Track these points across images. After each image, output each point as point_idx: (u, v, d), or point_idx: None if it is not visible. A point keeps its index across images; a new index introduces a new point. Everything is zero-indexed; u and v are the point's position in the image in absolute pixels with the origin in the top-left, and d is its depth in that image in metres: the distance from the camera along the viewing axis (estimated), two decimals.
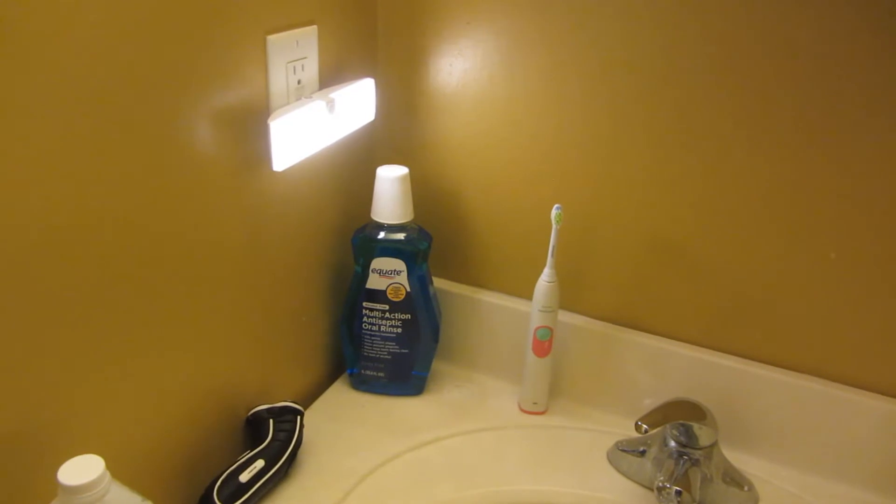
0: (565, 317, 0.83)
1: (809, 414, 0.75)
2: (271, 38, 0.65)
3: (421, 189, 0.86)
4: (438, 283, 0.89)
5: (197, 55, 0.58)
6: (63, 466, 0.47)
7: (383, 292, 0.81)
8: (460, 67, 0.80)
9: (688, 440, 0.69)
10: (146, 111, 0.54)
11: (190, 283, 0.62)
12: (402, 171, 0.78)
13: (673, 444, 0.70)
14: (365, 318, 0.82)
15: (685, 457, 0.69)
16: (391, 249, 0.79)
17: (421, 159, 0.86)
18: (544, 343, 0.80)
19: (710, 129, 0.71)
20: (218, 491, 0.65)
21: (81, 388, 0.54)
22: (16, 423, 0.50)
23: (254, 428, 0.74)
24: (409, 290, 0.80)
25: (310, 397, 0.86)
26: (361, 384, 0.86)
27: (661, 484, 0.67)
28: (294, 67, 0.68)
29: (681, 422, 0.69)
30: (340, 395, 0.86)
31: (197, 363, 0.66)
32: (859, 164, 0.67)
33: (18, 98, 0.45)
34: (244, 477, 0.66)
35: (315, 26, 0.70)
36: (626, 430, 0.81)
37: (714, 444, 0.70)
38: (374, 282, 0.80)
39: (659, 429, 0.69)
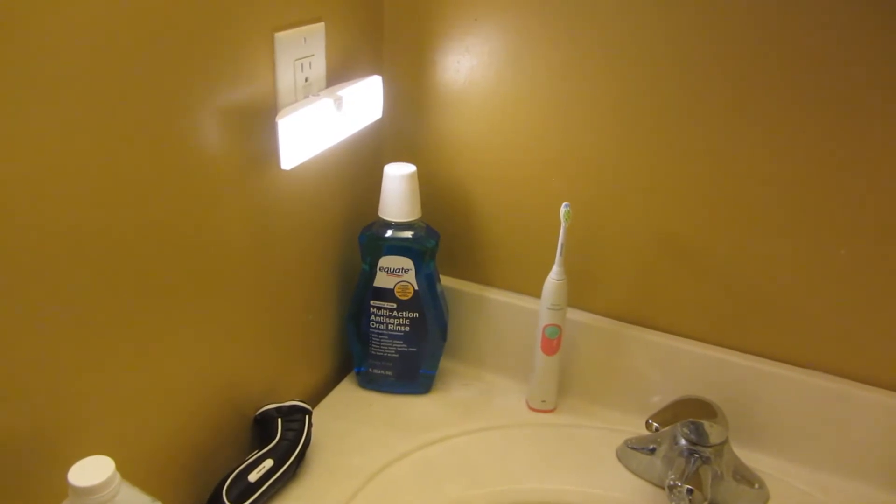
0: (574, 314, 0.83)
1: (820, 411, 0.74)
2: (279, 35, 0.65)
3: (428, 187, 0.85)
4: (446, 281, 0.89)
5: (205, 53, 0.57)
6: (73, 467, 0.47)
7: (391, 290, 0.80)
8: (468, 65, 0.79)
9: (698, 438, 0.69)
10: (154, 110, 0.54)
11: (197, 282, 0.62)
12: (409, 168, 0.78)
13: (683, 441, 0.70)
14: (372, 317, 0.82)
15: (696, 455, 0.69)
16: (399, 247, 0.79)
17: (428, 157, 0.85)
18: (553, 341, 0.79)
19: (720, 125, 0.71)
20: (227, 491, 0.65)
21: (90, 389, 0.54)
22: (26, 424, 0.50)
23: (262, 427, 0.73)
24: (416, 288, 0.80)
25: (317, 396, 0.85)
26: (369, 383, 0.86)
27: (672, 482, 0.67)
28: (302, 65, 0.68)
29: (691, 420, 0.69)
30: (348, 393, 0.86)
31: (205, 363, 0.65)
32: (869, 160, 0.67)
33: (24, 96, 0.44)
34: (253, 477, 0.66)
35: (322, 23, 0.70)
36: (636, 427, 0.80)
37: (724, 442, 0.70)
38: (381, 280, 0.80)
39: (669, 427, 0.69)
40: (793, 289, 0.74)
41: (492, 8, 0.76)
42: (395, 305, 0.81)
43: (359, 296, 0.82)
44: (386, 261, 0.79)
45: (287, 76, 0.66)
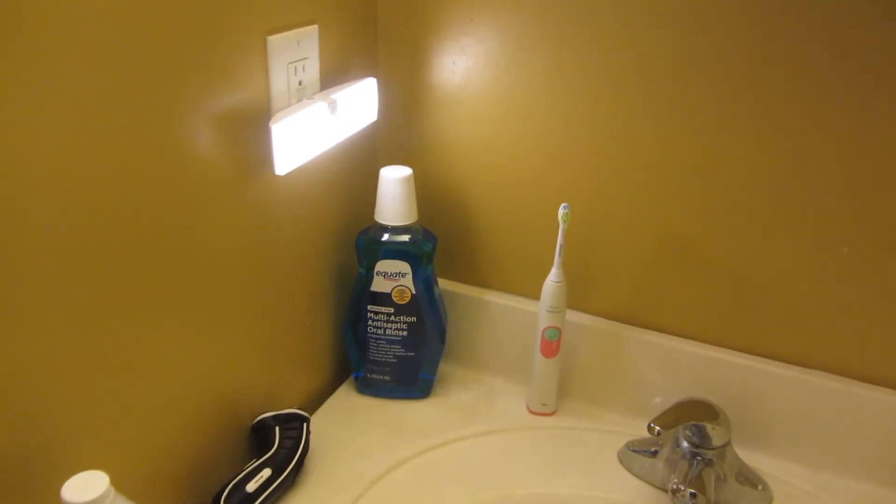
0: (573, 316, 0.82)
1: (823, 411, 0.74)
2: (272, 38, 0.64)
3: (425, 190, 0.84)
4: (444, 284, 0.88)
5: (197, 58, 0.56)
6: (67, 483, 0.46)
7: (388, 295, 0.80)
8: (463, 65, 0.79)
9: (701, 440, 0.69)
10: (145, 115, 0.53)
11: (192, 288, 0.61)
12: (405, 171, 0.77)
13: (686, 444, 0.69)
14: (370, 322, 0.81)
15: (698, 457, 0.68)
16: (396, 251, 0.78)
17: (424, 159, 0.84)
18: (552, 343, 0.79)
19: (719, 124, 0.70)
20: (225, 502, 0.64)
21: (86, 399, 0.53)
22: (20, 438, 0.49)
23: (259, 436, 0.73)
24: (414, 292, 0.79)
25: (315, 402, 0.85)
26: (367, 388, 0.85)
27: (675, 486, 0.66)
28: (295, 68, 0.67)
29: (693, 422, 0.68)
30: (346, 399, 0.85)
31: (200, 371, 0.65)
32: (871, 158, 0.66)
33: (18, 101, 0.44)
34: (251, 486, 0.65)
35: (316, 26, 0.69)
36: (637, 430, 0.80)
37: (727, 444, 0.69)
38: (378, 284, 0.79)
39: (671, 430, 0.68)
40: (795, 288, 0.73)
41: (487, 8, 0.75)
42: (392, 310, 0.80)
43: (356, 300, 0.81)
44: (383, 265, 0.78)
45: (280, 80, 0.66)
